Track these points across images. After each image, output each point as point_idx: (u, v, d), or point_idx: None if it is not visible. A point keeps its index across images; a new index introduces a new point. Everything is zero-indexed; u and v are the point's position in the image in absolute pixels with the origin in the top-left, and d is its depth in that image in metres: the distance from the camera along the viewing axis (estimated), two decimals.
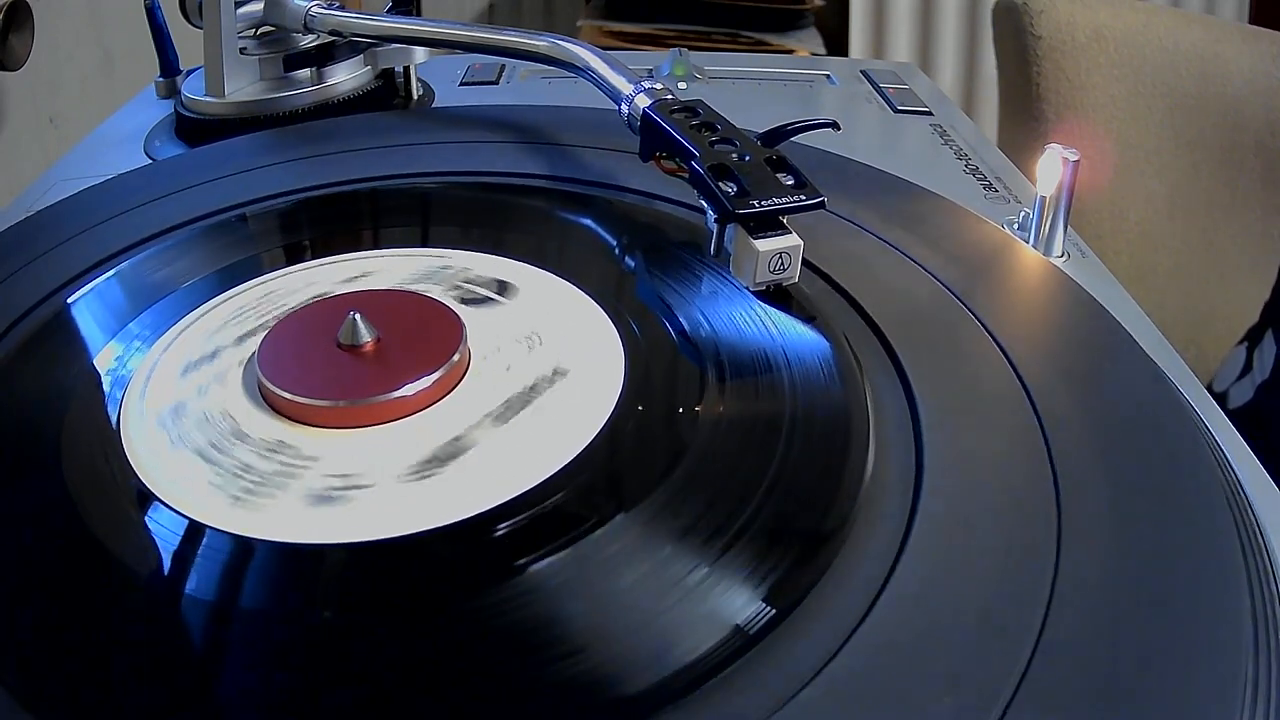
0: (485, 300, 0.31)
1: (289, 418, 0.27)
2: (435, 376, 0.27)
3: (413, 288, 0.32)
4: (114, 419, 0.27)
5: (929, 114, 0.53)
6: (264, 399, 0.27)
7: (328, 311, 0.29)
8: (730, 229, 0.31)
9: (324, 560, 0.23)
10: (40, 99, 0.80)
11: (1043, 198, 0.37)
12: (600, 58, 0.40)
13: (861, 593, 0.22)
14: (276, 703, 0.20)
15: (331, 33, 0.49)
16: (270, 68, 0.49)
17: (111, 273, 0.34)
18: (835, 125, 0.37)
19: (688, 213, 0.36)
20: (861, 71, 0.60)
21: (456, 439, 0.26)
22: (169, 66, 0.54)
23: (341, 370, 0.27)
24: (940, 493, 0.24)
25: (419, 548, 0.23)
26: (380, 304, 0.30)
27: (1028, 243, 0.37)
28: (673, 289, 0.32)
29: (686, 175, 0.32)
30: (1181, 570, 0.22)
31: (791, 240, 0.30)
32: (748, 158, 0.31)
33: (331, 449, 0.26)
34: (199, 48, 0.48)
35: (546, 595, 0.21)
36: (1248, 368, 0.67)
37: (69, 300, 0.32)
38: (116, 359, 0.30)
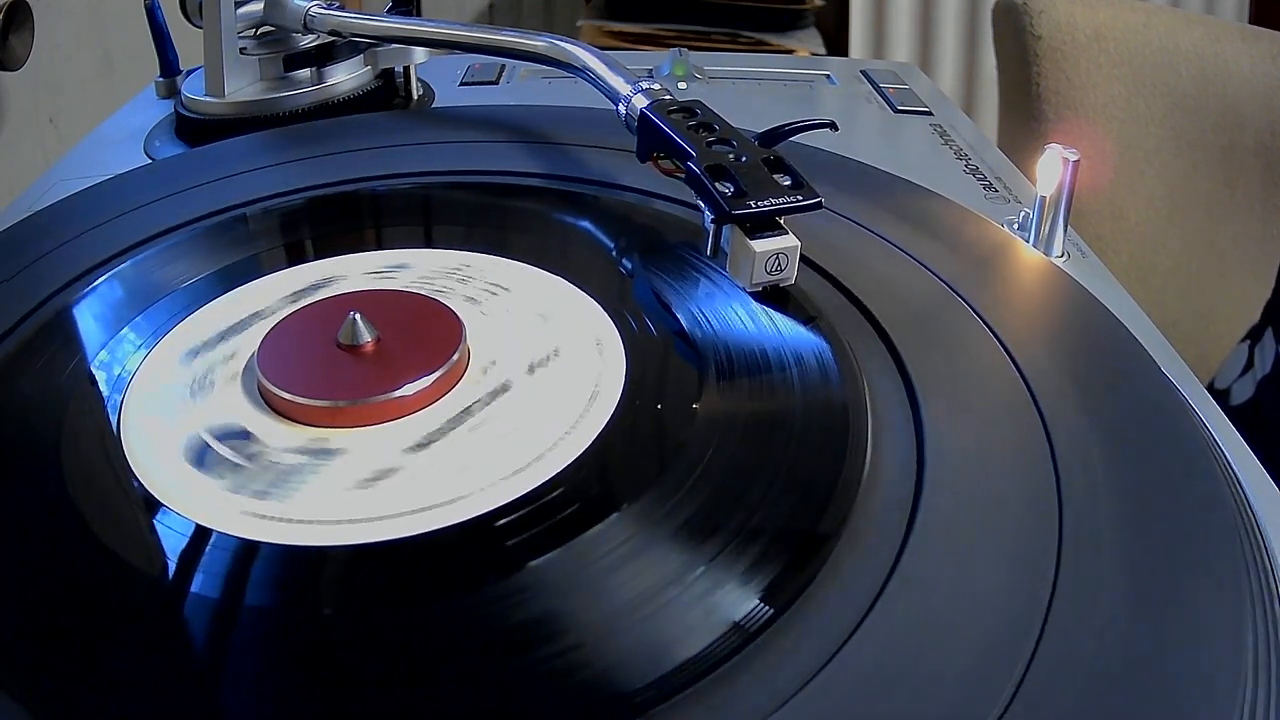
0: (484, 300, 0.31)
1: (291, 419, 0.27)
2: (436, 375, 0.27)
3: (420, 290, 0.32)
4: (114, 424, 0.27)
5: (929, 114, 0.53)
6: (265, 401, 0.27)
7: (327, 312, 0.29)
8: (727, 229, 0.31)
9: (323, 562, 0.23)
10: (40, 99, 0.80)
11: (1043, 198, 0.37)
12: (599, 58, 0.40)
13: (860, 592, 0.22)
14: (278, 698, 0.20)
15: (331, 33, 0.49)
16: (270, 68, 0.49)
17: (111, 274, 0.34)
18: (833, 125, 0.37)
19: (686, 212, 0.36)
20: (861, 71, 0.60)
21: (453, 431, 0.26)
22: (169, 66, 0.54)
23: (342, 370, 0.27)
24: (941, 491, 0.24)
25: (418, 548, 0.23)
26: (380, 304, 0.30)
27: (1028, 242, 0.37)
28: (671, 288, 0.32)
29: (684, 175, 0.32)
30: (1182, 570, 0.22)
31: (789, 241, 0.30)
32: (745, 158, 0.31)
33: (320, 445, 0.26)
34: (199, 48, 0.48)
35: (545, 593, 0.21)
36: (1249, 365, 0.68)
37: (69, 301, 0.32)
38: (117, 361, 0.30)
